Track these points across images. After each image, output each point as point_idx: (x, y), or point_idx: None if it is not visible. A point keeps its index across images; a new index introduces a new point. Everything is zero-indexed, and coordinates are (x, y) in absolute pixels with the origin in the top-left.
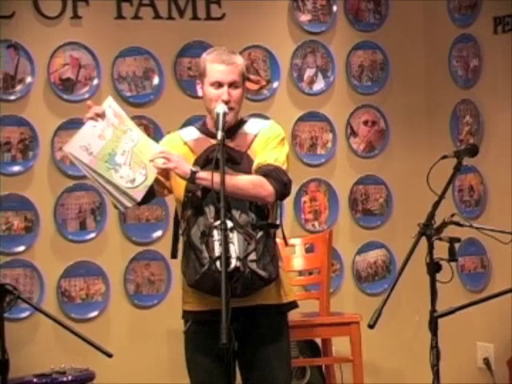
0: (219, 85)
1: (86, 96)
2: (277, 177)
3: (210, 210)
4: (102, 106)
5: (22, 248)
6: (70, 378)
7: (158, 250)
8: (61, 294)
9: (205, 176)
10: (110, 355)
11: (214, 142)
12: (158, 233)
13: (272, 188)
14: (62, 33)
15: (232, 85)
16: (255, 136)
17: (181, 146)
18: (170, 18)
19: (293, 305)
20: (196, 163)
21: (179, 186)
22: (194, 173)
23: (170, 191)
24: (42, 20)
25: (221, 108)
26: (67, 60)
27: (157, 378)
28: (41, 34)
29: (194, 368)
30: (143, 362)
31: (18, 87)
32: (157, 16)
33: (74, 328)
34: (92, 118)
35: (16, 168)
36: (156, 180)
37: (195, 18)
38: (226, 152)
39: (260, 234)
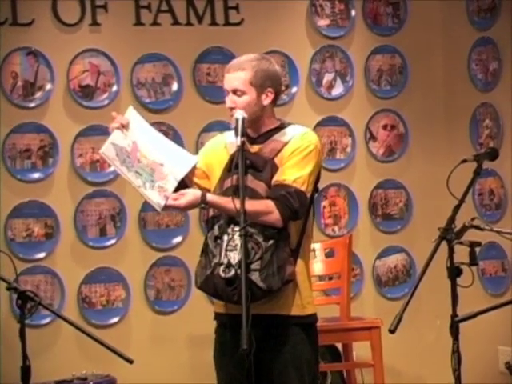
0: (227, 92)
1: (106, 102)
2: (287, 203)
3: (226, 215)
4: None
5: (42, 254)
6: None
7: (178, 255)
8: (81, 300)
9: (216, 202)
10: (130, 361)
11: (249, 146)
12: (178, 238)
13: (279, 216)
14: (81, 40)
15: (235, 92)
16: (285, 144)
17: (221, 149)
18: (189, 24)
19: (311, 318)
20: (226, 167)
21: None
22: (204, 202)
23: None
24: (61, 27)
25: (239, 114)
26: (86, 67)
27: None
28: (60, 41)
29: (217, 369)
30: (164, 368)
31: (38, 94)
32: (175, 22)
33: (94, 334)
34: (118, 128)
35: (36, 175)
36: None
37: (214, 23)
38: (249, 158)
39: (270, 242)
